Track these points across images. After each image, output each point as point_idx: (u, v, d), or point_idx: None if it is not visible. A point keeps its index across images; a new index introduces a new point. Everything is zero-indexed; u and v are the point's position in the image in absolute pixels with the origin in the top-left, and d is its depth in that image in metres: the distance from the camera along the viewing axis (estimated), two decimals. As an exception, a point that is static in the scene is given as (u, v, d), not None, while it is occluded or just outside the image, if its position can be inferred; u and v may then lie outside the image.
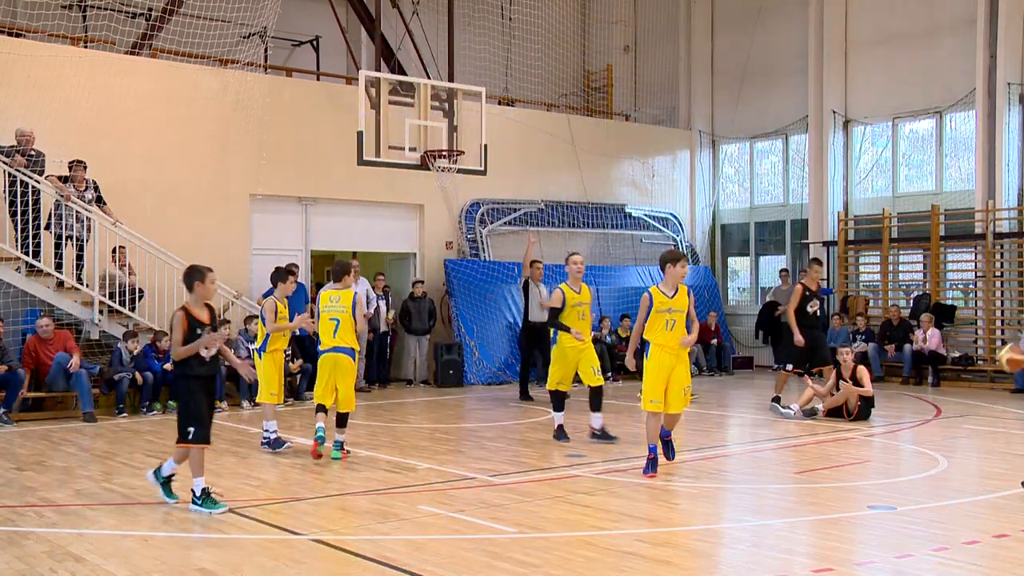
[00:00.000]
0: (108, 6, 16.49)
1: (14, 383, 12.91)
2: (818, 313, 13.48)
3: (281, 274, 10.91)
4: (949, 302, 19.16)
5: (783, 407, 13.44)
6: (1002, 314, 18.75)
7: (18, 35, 15.32)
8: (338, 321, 9.85)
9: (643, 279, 20.64)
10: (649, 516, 7.59)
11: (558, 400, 11.18)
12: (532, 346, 15.86)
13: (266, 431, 10.69)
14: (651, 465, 9.12)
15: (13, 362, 13.05)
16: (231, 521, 7.53)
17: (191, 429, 7.70)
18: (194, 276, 7.83)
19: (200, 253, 15.49)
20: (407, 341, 18.04)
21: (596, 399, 10.98)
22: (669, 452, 9.61)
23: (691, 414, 14.32)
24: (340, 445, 10.11)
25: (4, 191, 13.83)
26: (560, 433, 11.19)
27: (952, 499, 8.30)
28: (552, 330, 11.04)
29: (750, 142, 22.80)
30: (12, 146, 13.94)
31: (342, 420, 10.07)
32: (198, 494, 7.72)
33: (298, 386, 15.39)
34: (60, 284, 14.11)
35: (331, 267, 10.48)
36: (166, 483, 8.03)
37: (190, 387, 7.78)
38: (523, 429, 12.67)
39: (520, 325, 18.54)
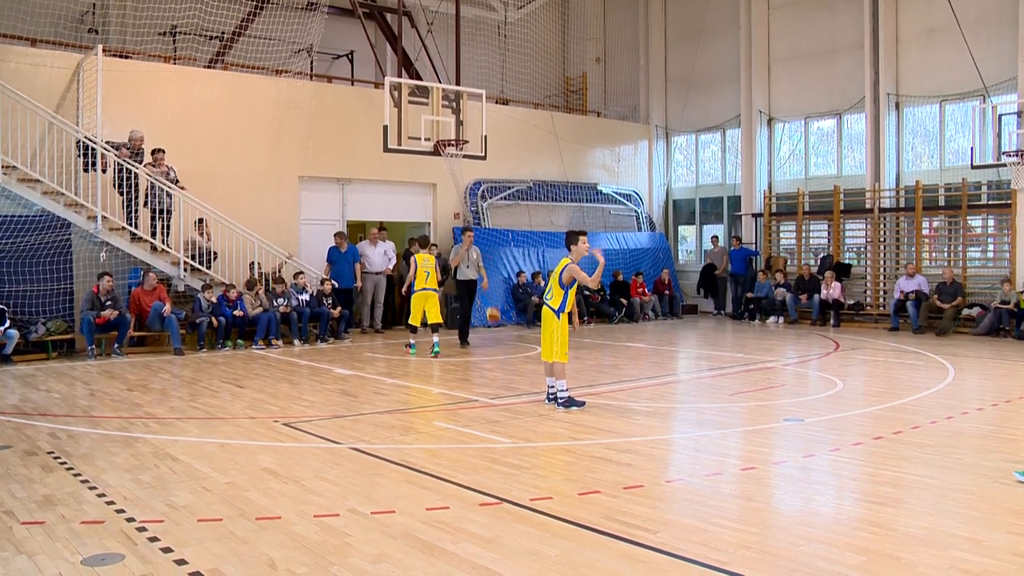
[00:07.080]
0: (192, 31, 16.40)
1: (124, 325, 13.16)
2: None
3: (574, 237, 8.64)
4: (847, 261, 19.21)
5: None
6: (884, 270, 18.79)
7: (126, 57, 15.33)
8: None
9: (611, 242, 20.63)
10: (615, 429, 7.61)
11: None
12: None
13: (559, 390, 8.60)
14: None
15: (122, 308, 13.30)
16: (287, 433, 7.58)
17: None
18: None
19: (259, 224, 15.59)
20: (425, 291, 17.96)
21: None
22: None
23: (647, 350, 14.41)
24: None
25: (114, 177, 13.87)
26: None
27: (845, 412, 8.36)
28: None
29: (695, 134, 22.64)
30: (121, 143, 14.01)
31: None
32: None
33: (338, 328, 15.45)
34: (154, 248, 14.11)
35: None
36: None
37: None
38: (516, 362, 12.67)
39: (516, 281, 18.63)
